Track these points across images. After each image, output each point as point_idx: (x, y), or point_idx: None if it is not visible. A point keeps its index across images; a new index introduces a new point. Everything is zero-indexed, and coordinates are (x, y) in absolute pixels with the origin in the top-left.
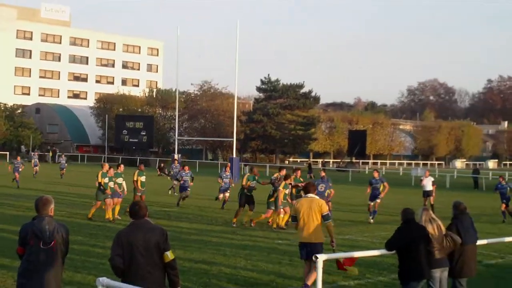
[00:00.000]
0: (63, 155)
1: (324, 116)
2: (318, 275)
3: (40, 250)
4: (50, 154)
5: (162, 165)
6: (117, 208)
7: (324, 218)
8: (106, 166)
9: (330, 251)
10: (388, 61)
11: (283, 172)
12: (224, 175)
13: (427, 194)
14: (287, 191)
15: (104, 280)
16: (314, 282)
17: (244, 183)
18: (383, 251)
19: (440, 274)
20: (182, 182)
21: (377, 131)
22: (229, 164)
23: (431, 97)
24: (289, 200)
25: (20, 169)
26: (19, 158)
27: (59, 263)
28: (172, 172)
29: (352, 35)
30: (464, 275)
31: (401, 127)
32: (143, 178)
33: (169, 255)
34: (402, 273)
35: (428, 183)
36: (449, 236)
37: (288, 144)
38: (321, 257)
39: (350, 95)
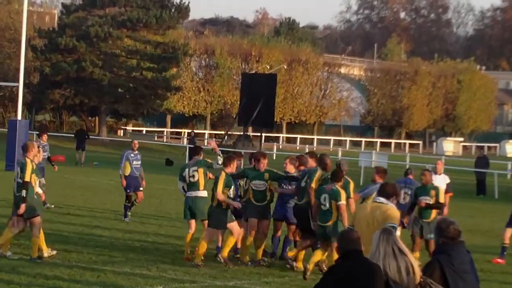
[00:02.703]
0: None
1: (197, 43)
2: None
3: None
4: None
5: None
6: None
7: None
8: (35, 147)
9: None
10: None
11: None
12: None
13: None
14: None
15: None
16: None
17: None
18: None
19: None
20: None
21: (297, 77)
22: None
23: (403, 15)
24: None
25: None
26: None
27: None
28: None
29: None
30: None
31: (342, 70)
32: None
33: None
34: None
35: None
36: (428, 287)
37: (125, 98)
38: None
39: (248, 5)
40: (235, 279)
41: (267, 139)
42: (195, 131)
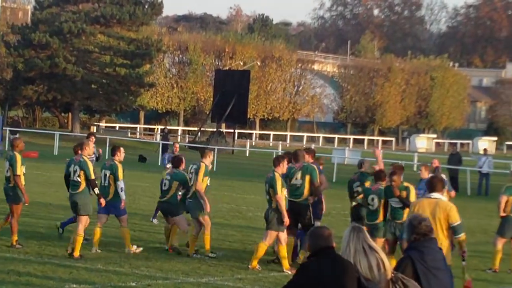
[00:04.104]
0: None
1: (170, 40)
2: None
3: None
4: None
5: None
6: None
7: (455, 230)
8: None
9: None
10: None
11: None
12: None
13: None
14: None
15: None
16: None
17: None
18: None
19: None
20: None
21: (270, 73)
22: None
23: (376, 12)
24: None
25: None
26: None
27: None
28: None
29: None
30: None
31: (315, 67)
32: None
33: None
34: None
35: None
36: (400, 282)
37: (98, 94)
38: None
39: (222, 1)
40: (208, 275)
41: (240, 135)
42: (168, 127)
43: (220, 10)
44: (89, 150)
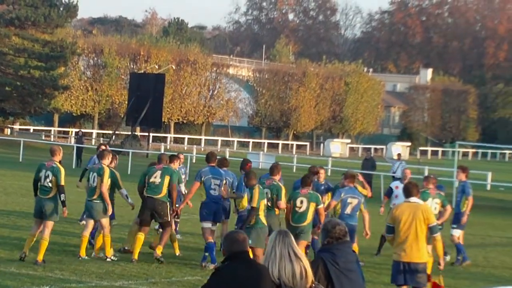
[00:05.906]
0: None
1: (85, 43)
2: None
3: None
4: None
5: None
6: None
7: (431, 230)
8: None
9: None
10: None
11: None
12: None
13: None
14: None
15: None
16: None
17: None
18: None
19: None
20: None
21: (185, 77)
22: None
23: (291, 16)
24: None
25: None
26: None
27: None
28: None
29: None
30: None
31: (230, 71)
32: None
33: None
34: None
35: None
36: None
37: (12, 96)
38: None
39: (137, 4)
40: (122, 279)
41: (155, 139)
42: (83, 130)
43: (135, 13)
44: (60, 157)
